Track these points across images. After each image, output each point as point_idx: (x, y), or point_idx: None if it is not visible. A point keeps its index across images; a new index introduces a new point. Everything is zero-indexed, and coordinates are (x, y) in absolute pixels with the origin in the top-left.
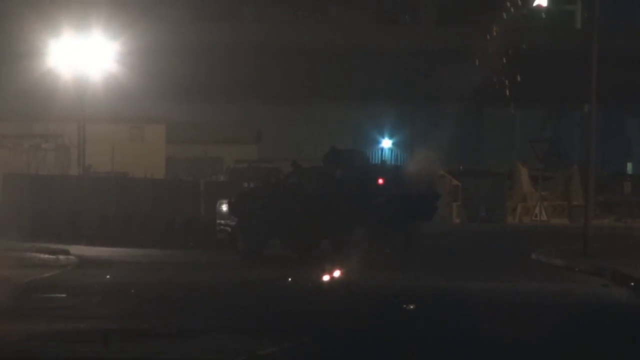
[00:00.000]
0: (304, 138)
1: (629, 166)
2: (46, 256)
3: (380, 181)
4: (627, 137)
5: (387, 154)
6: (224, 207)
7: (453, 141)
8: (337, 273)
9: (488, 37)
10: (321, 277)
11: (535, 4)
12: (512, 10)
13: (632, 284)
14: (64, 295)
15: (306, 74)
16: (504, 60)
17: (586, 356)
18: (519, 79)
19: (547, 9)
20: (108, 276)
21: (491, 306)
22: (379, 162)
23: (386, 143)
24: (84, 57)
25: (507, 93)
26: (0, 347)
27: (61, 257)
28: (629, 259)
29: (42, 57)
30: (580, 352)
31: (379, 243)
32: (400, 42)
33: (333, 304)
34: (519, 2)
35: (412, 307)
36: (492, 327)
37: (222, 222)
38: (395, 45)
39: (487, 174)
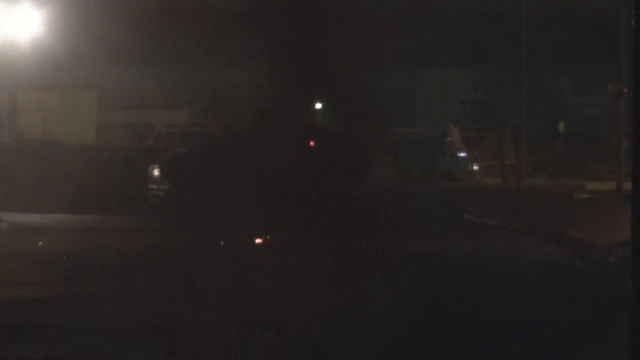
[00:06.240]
0: (236, 103)
1: (561, 125)
2: None
3: (311, 144)
4: (560, 96)
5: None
6: (156, 172)
7: (387, 102)
8: (266, 238)
9: None
10: (253, 242)
11: None
12: None
13: (565, 242)
14: None
15: (235, 36)
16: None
17: (516, 314)
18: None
19: None
20: (40, 243)
21: (422, 267)
22: (310, 124)
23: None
24: (13, 23)
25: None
26: None
27: None
28: (561, 218)
29: None
30: (511, 310)
31: (312, 206)
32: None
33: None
34: None
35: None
36: (421, 288)
37: (155, 187)
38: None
39: (420, 134)
